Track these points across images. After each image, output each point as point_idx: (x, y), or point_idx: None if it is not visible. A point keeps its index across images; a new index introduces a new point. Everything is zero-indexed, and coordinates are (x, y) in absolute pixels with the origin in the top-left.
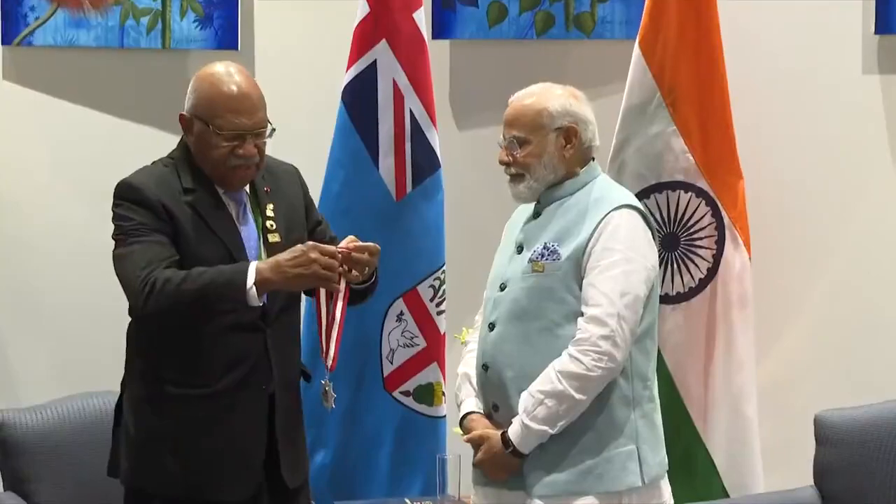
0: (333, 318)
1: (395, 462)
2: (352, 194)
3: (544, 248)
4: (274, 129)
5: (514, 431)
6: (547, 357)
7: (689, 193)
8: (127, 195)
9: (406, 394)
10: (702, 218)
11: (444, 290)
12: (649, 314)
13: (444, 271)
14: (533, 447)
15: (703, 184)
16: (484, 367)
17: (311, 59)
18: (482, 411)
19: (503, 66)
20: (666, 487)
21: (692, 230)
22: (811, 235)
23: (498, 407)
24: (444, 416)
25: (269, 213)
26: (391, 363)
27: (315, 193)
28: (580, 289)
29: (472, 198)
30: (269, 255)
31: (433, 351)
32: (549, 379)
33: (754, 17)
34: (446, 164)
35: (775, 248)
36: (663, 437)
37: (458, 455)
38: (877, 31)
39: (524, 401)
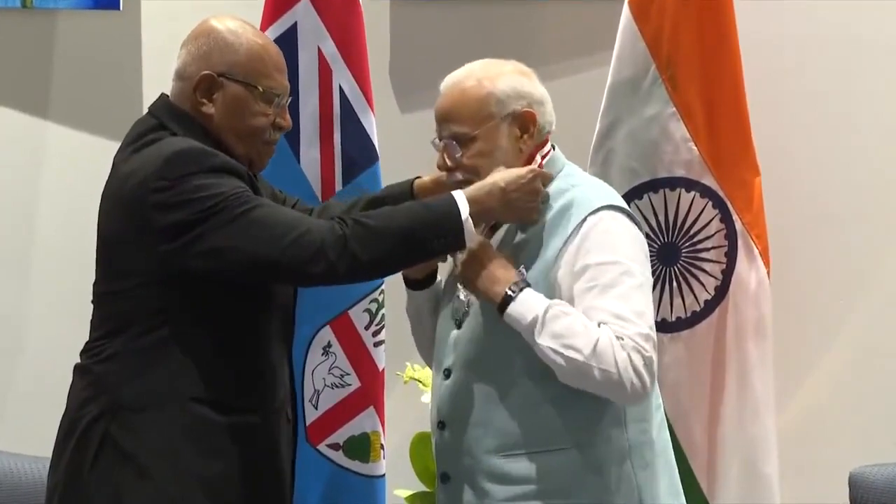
0: None
1: None
2: None
3: None
4: None
5: (525, 296)
6: (521, 410)
7: (693, 193)
8: (206, 161)
9: (335, 447)
10: (708, 224)
11: (382, 316)
12: None
13: (382, 292)
14: (518, 321)
15: (709, 181)
16: (440, 426)
17: None
18: None
19: (457, 31)
20: None
21: (696, 239)
22: (846, 247)
23: (448, 477)
24: (383, 474)
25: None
26: (315, 408)
27: None
28: None
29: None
30: None
31: (369, 393)
32: (594, 325)
33: None
34: (385, 156)
35: (800, 261)
36: (677, 483)
37: None
38: None
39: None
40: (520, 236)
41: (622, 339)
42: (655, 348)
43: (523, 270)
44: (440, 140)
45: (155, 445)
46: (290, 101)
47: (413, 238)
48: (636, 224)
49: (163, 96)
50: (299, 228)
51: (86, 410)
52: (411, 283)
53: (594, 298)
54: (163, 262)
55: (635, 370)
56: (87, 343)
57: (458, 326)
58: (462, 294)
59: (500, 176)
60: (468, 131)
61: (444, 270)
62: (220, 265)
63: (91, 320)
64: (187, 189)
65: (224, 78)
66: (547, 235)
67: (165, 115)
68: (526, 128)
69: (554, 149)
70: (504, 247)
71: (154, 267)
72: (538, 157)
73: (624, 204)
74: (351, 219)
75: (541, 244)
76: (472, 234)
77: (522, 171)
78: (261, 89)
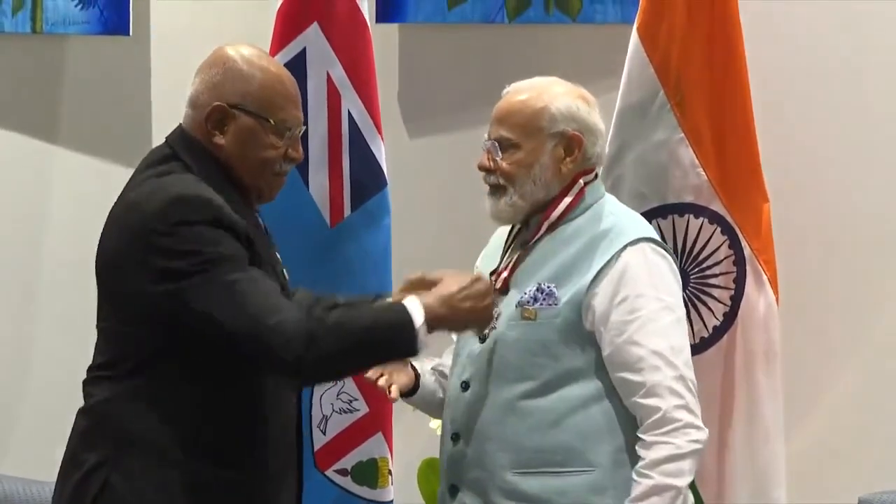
0: None
1: None
2: (275, 219)
3: (538, 289)
4: None
5: None
6: (539, 428)
7: (701, 219)
8: (207, 214)
9: (342, 473)
10: (717, 249)
11: None
12: None
13: None
14: None
15: (718, 206)
16: (454, 438)
17: None
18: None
19: (466, 57)
20: None
21: (705, 265)
22: (855, 272)
23: (457, 490)
24: (391, 500)
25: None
26: (323, 434)
27: None
28: (581, 344)
29: (427, 223)
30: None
31: (377, 418)
32: (634, 485)
33: None
34: (394, 181)
35: (810, 288)
36: None
37: None
38: None
39: None
40: (552, 256)
41: (657, 415)
42: (692, 382)
43: (552, 287)
44: (489, 140)
45: (154, 498)
46: (303, 131)
47: (369, 343)
48: (672, 258)
49: (180, 126)
50: (278, 315)
51: (86, 456)
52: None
53: (634, 332)
54: (150, 303)
55: (689, 426)
56: (88, 371)
57: (482, 340)
58: None
59: (449, 282)
60: (513, 138)
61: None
62: (189, 322)
63: (95, 344)
64: (185, 238)
65: (236, 109)
66: (583, 258)
67: (179, 144)
68: (570, 150)
69: (596, 178)
70: (532, 264)
71: (143, 306)
72: (581, 182)
73: (658, 237)
74: (319, 317)
75: (575, 265)
76: (424, 343)
77: (466, 277)
78: (272, 122)
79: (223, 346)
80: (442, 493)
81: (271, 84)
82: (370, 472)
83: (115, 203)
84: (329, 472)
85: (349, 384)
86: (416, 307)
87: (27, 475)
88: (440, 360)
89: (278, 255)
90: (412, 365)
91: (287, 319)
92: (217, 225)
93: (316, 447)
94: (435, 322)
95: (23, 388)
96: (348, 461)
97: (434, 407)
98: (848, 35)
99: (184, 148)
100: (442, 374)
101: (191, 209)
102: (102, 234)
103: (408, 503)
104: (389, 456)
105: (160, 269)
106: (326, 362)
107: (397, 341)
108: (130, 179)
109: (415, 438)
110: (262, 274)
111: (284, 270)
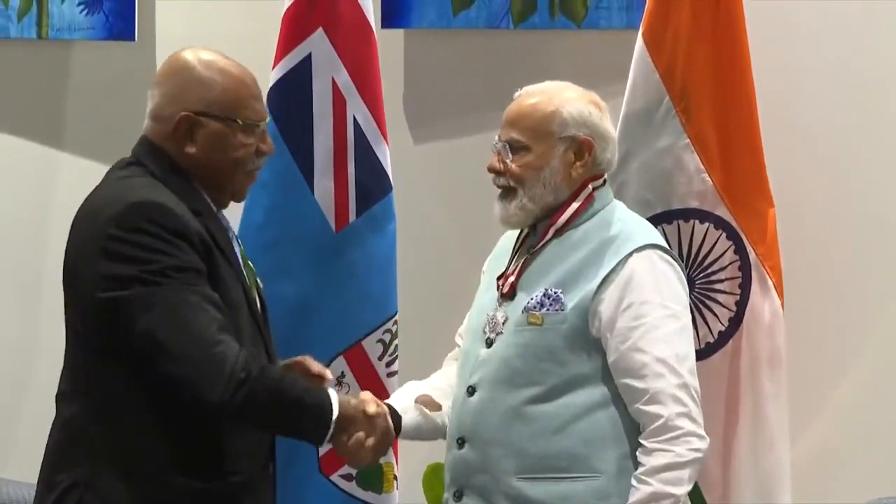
0: None
1: None
2: (279, 224)
3: (545, 294)
4: None
5: None
6: (545, 434)
7: (707, 224)
8: (164, 221)
9: (347, 478)
10: (722, 255)
11: (396, 346)
12: None
13: (396, 322)
14: None
15: (723, 212)
16: (459, 443)
17: (228, 53)
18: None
19: (471, 63)
20: None
21: (710, 270)
22: (861, 277)
23: (462, 495)
24: None
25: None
26: None
27: (234, 222)
28: (587, 350)
29: (432, 228)
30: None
31: None
32: (633, 491)
33: (789, 1)
34: (399, 186)
35: (815, 293)
36: None
37: None
38: None
39: None
40: (559, 261)
41: (659, 423)
42: (695, 390)
43: (558, 292)
44: (499, 142)
45: None
46: (269, 121)
47: (293, 412)
48: (679, 265)
49: (143, 136)
50: (220, 346)
51: (60, 477)
52: None
53: (639, 339)
54: (100, 311)
55: (690, 435)
56: (61, 378)
57: (489, 345)
58: (499, 313)
59: (367, 400)
60: (523, 140)
61: (468, 292)
62: (129, 335)
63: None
64: (139, 245)
65: (203, 117)
66: (590, 264)
67: (142, 151)
68: (581, 155)
69: (605, 183)
70: (539, 269)
71: (95, 314)
72: (590, 187)
73: (665, 244)
74: (262, 365)
75: (582, 271)
76: (328, 438)
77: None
78: (240, 122)
79: (156, 366)
80: (447, 498)
81: (233, 86)
82: (375, 477)
83: (79, 208)
84: (334, 477)
85: (354, 389)
86: (335, 401)
87: (31, 479)
88: (430, 382)
89: (252, 264)
90: (392, 409)
91: (227, 353)
92: (174, 234)
93: (321, 452)
94: (342, 422)
95: (27, 392)
96: None
97: (423, 439)
98: (854, 41)
99: (147, 154)
100: (428, 403)
101: (148, 216)
102: (67, 239)
103: None
104: (395, 461)
105: (110, 274)
106: (251, 410)
107: (314, 424)
108: (97, 186)
109: (420, 443)
110: (212, 300)
111: (259, 280)
